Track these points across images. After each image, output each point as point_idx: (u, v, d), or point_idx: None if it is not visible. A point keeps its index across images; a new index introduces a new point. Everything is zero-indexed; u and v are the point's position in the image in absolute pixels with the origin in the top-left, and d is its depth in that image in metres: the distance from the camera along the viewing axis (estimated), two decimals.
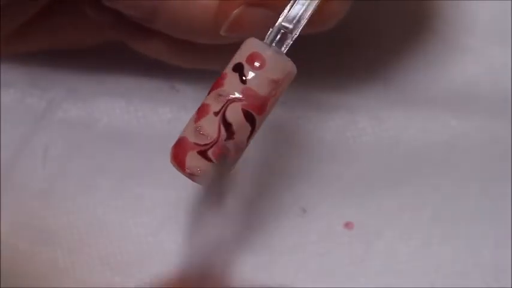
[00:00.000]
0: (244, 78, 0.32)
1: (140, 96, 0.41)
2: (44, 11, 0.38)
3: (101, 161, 0.39)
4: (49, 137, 0.40)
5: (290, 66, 0.33)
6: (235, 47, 0.33)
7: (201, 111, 0.32)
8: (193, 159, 0.32)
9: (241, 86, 0.32)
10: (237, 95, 0.32)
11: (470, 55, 0.43)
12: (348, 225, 0.39)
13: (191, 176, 0.32)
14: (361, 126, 0.41)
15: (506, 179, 0.40)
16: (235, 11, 0.34)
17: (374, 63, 0.43)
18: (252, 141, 0.33)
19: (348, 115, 0.41)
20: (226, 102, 0.32)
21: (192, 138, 0.32)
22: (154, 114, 0.41)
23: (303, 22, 0.33)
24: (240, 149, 0.32)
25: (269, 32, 0.33)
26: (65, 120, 0.40)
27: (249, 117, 0.32)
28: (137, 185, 0.39)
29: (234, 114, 0.32)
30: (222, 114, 0.32)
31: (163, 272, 0.38)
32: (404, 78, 0.43)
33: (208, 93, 0.32)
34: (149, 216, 0.38)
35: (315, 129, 0.41)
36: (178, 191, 0.39)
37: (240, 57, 0.32)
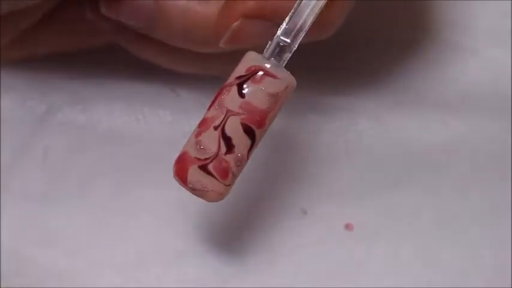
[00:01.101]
0: (243, 92, 0.32)
1: (140, 99, 0.41)
2: (44, 18, 0.38)
3: (101, 164, 0.40)
4: (49, 139, 0.40)
5: (289, 79, 0.33)
6: (234, 54, 0.33)
7: (202, 125, 0.32)
8: (194, 174, 0.32)
9: (240, 100, 0.32)
10: (236, 109, 0.32)
11: (470, 55, 0.43)
12: (348, 226, 0.39)
13: (194, 191, 0.32)
14: (361, 127, 0.41)
15: (506, 179, 0.40)
16: (235, 24, 0.34)
17: (374, 64, 0.43)
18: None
19: (347, 116, 0.41)
20: (226, 116, 0.32)
21: (192, 153, 0.32)
22: (154, 118, 0.41)
23: (302, 35, 0.33)
24: (240, 163, 0.32)
25: (268, 45, 0.33)
26: (65, 123, 0.41)
27: (249, 131, 0.32)
28: (137, 188, 0.39)
29: (234, 128, 0.32)
30: (221, 129, 0.32)
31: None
32: (404, 79, 0.43)
33: (209, 107, 0.33)
34: (149, 218, 0.39)
35: (315, 130, 0.41)
36: (178, 192, 0.39)
37: (239, 71, 0.33)
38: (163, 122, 0.41)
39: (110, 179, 0.39)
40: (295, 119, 0.41)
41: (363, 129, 0.41)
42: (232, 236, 0.39)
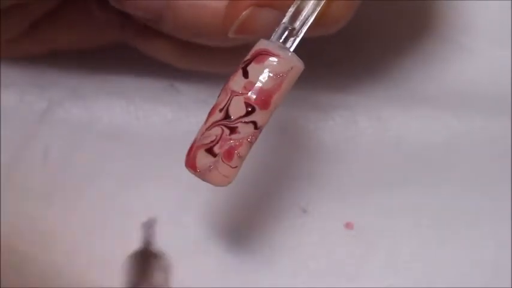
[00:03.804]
0: (247, 73, 0.32)
1: (141, 96, 0.41)
2: (49, 16, 0.38)
3: (101, 161, 0.39)
4: (49, 136, 0.40)
5: (295, 60, 0.32)
6: (241, 50, 0.33)
7: (211, 112, 0.32)
8: (202, 158, 0.32)
9: (244, 80, 0.32)
10: (240, 89, 0.32)
11: (470, 55, 0.43)
12: (348, 225, 0.39)
13: (202, 176, 0.32)
14: (361, 126, 0.41)
15: (506, 179, 0.40)
16: (244, 13, 0.33)
17: (374, 63, 0.43)
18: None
19: (348, 115, 0.41)
20: (230, 97, 0.32)
21: (201, 139, 0.32)
22: (154, 114, 0.41)
23: (309, 20, 0.33)
24: (246, 143, 0.32)
25: (275, 30, 0.33)
26: (65, 120, 0.40)
27: (252, 111, 0.32)
28: (137, 185, 0.39)
29: (236, 108, 0.32)
30: (225, 110, 0.32)
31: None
32: (404, 78, 0.43)
33: (218, 95, 0.32)
34: (149, 216, 0.38)
35: (315, 129, 0.41)
36: (178, 191, 0.39)
37: (247, 55, 0.32)
38: (163, 119, 0.41)
39: (109, 176, 0.39)
40: (294, 117, 0.41)
41: (363, 127, 0.41)
42: (232, 236, 0.38)
